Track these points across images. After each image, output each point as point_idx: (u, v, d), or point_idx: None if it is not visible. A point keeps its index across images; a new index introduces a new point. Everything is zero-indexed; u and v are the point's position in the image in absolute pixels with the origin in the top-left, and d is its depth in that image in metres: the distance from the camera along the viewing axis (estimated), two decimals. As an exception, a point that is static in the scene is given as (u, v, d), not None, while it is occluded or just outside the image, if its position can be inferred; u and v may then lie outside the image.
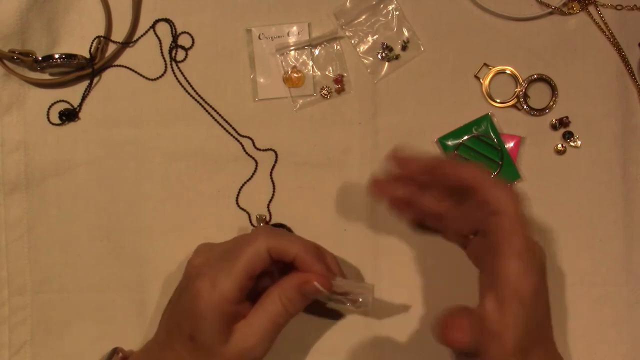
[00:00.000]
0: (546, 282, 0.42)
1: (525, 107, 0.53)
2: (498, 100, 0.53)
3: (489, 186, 0.40)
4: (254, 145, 0.53)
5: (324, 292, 0.43)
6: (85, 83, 0.54)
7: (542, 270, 0.41)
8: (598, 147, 0.53)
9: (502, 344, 0.39)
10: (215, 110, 0.53)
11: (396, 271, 0.52)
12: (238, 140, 0.53)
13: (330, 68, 0.53)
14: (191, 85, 0.53)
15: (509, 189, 0.41)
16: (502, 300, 0.39)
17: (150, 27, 0.54)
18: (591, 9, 0.53)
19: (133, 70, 0.54)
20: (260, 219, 0.52)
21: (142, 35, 0.54)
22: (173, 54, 0.54)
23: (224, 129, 0.53)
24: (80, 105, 0.54)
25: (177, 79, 0.53)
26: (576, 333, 0.52)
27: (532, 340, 0.40)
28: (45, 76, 0.53)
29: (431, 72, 0.53)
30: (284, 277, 0.45)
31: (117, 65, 0.54)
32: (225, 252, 0.44)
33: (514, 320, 0.39)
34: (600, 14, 0.53)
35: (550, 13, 0.53)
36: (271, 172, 0.53)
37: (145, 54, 0.54)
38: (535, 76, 0.53)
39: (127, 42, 0.53)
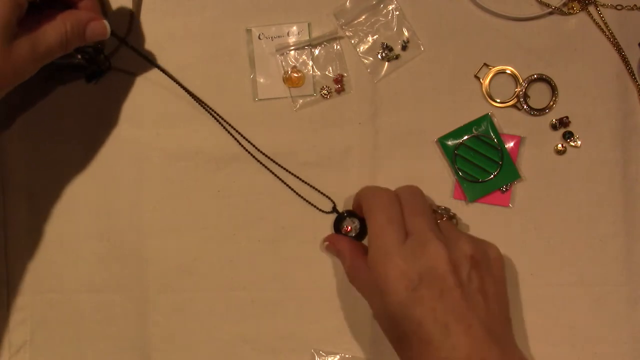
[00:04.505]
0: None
1: (525, 107, 0.53)
2: (498, 100, 0.53)
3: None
4: (253, 145, 0.53)
5: (105, 37, 0.47)
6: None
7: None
8: (598, 147, 0.53)
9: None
10: (215, 112, 0.53)
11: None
12: (238, 141, 0.53)
13: (330, 68, 0.53)
14: (186, 89, 0.53)
15: (363, 192, 0.49)
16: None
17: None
18: (591, 9, 0.53)
19: (133, 70, 0.54)
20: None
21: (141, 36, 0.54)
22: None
23: (224, 129, 0.53)
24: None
25: (177, 78, 0.53)
26: (576, 333, 0.52)
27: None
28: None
29: (431, 72, 0.53)
30: (70, 10, 0.46)
31: (117, 67, 0.54)
32: None
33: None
34: (600, 14, 0.53)
35: (550, 13, 0.53)
36: (271, 172, 0.53)
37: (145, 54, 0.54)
38: (535, 76, 0.53)
39: (127, 42, 0.53)
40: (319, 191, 0.53)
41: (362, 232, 0.51)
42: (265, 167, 0.53)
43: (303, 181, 0.53)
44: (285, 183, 0.53)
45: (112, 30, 0.48)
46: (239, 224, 0.54)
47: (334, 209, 0.52)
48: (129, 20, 0.53)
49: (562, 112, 0.53)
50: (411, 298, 0.42)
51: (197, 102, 0.53)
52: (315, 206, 0.52)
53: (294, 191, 0.53)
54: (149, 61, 0.52)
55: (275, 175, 0.53)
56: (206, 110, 0.53)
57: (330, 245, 0.51)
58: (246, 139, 0.53)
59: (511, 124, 0.53)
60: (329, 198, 0.53)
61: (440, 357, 0.41)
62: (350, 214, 0.52)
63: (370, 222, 0.46)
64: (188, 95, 0.53)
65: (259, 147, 0.53)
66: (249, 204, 0.53)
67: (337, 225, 0.52)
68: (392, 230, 0.44)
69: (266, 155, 0.53)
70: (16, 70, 0.43)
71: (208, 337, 0.53)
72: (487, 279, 0.44)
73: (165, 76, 0.53)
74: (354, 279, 0.48)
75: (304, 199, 0.53)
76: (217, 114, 0.53)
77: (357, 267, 0.47)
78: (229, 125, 0.53)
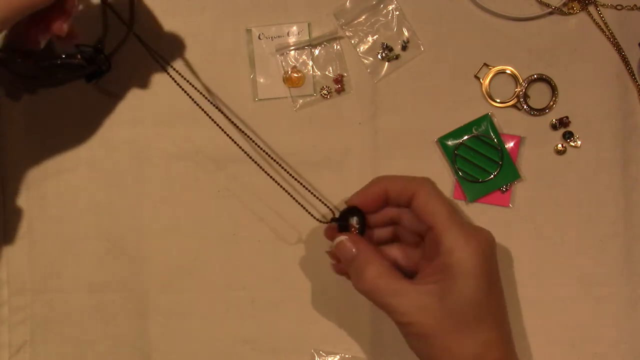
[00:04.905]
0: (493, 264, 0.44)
1: (525, 107, 0.53)
2: (498, 100, 0.53)
3: (405, 180, 0.46)
4: (257, 142, 0.53)
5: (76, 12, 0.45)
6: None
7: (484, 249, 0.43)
8: (598, 147, 0.53)
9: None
10: (219, 109, 0.53)
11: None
12: (236, 142, 0.53)
13: (330, 68, 0.53)
14: (192, 85, 0.53)
15: (420, 179, 0.46)
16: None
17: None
18: (591, 9, 0.53)
19: (133, 70, 0.54)
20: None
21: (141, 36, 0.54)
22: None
23: (223, 130, 0.53)
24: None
25: (177, 79, 0.53)
26: (576, 332, 0.52)
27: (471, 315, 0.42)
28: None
29: (431, 72, 0.53)
30: None
31: (117, 67, 0.54)
32: None
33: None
34: (600, 14, 0.53)
35: (550, 13, 0.53)
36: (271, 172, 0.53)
37: (144, 54, 0.54)
38: (535, 76, 0.53)
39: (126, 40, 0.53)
40: (321, 200, 0.51)
41: (362, 229, 0.47)
42: (273, 167, 0.53)
43: (306, 187, 0.51)
44: (283, 187, 0.53)
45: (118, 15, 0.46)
46: (239, 224, 0.54)
47: (333, 219, 0.48)
48: (129, 21, 0.53)
49: (562, 112, 0.53)
50: (491, 282, 0.42)
51: (196, 102, 0.53)
52: (310, 214, 0.50)
53: (292, 196, 0.51)
54: (154, 58, 0.52)
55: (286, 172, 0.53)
56: (205, 112, 0.53)
57: (348, 248, 0.45)
58: (248, 137, 0.53)
59: (511, 124, 0.53)
60: (329, 207, 0.50)
61: (499, 339, 0.42)
62: (351, 210, 0.48)
63: (440, 208, 0.44)
64: (188, 95, 0.53)
65: (258, 148, 0.53)
66: (249, 204, 0.54)
67: (343, 221, 0.48)
68: (460, 216, 0.44)
69: (268, 155, 0.53)
70: None
71: (208, 337, 0.53)
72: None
73: (166, 75, 0.53)
74: (395, 293, 0.43)
75: (304, 203, 0.52)
76: (222, 113, 0.53)
77: (394, 278, 0.43)
78: (232, 123, 0.53)
